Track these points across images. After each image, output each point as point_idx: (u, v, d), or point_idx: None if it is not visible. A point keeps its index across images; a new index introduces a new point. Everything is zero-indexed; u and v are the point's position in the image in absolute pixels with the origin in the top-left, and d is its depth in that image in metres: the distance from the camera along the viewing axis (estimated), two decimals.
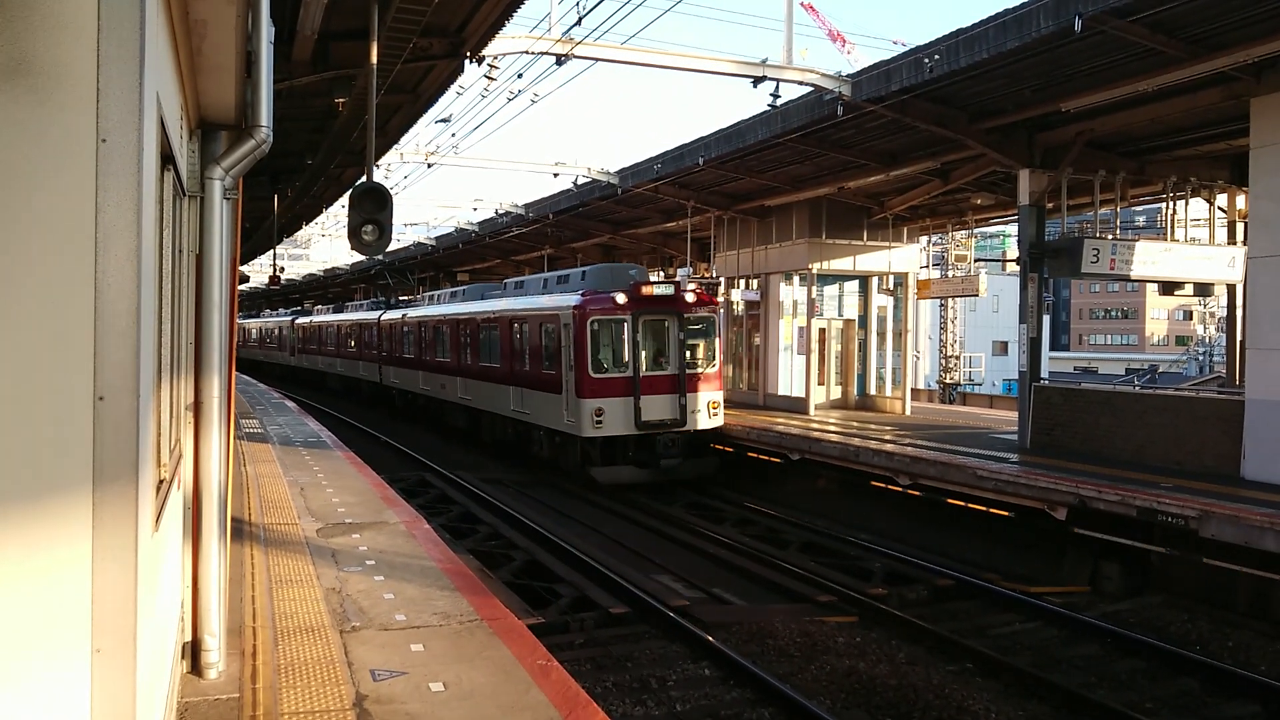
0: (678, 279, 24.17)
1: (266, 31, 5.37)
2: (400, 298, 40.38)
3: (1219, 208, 19.69)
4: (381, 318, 35.12)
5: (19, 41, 2.73)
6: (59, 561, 2.76)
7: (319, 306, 53.32)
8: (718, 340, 20.81)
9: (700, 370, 19.95)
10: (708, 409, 19.75)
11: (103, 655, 2.84)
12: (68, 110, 2.76)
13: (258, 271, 51.57)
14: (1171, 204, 18.98)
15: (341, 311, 44.26)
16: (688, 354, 19.87)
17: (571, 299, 19.86)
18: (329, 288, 65.10)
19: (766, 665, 9.83)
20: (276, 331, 57.38)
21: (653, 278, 24.21)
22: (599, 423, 18.76)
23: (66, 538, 2.77)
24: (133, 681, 2.95)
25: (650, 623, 11.19)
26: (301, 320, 50.66)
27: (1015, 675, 9.66)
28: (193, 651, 5.96)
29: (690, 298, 20.12)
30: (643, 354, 19.39)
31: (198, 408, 5.88)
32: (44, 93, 2.74)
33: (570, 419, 19.36)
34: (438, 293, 32.40)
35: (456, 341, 26.90)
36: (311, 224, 33.85)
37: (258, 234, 28.84)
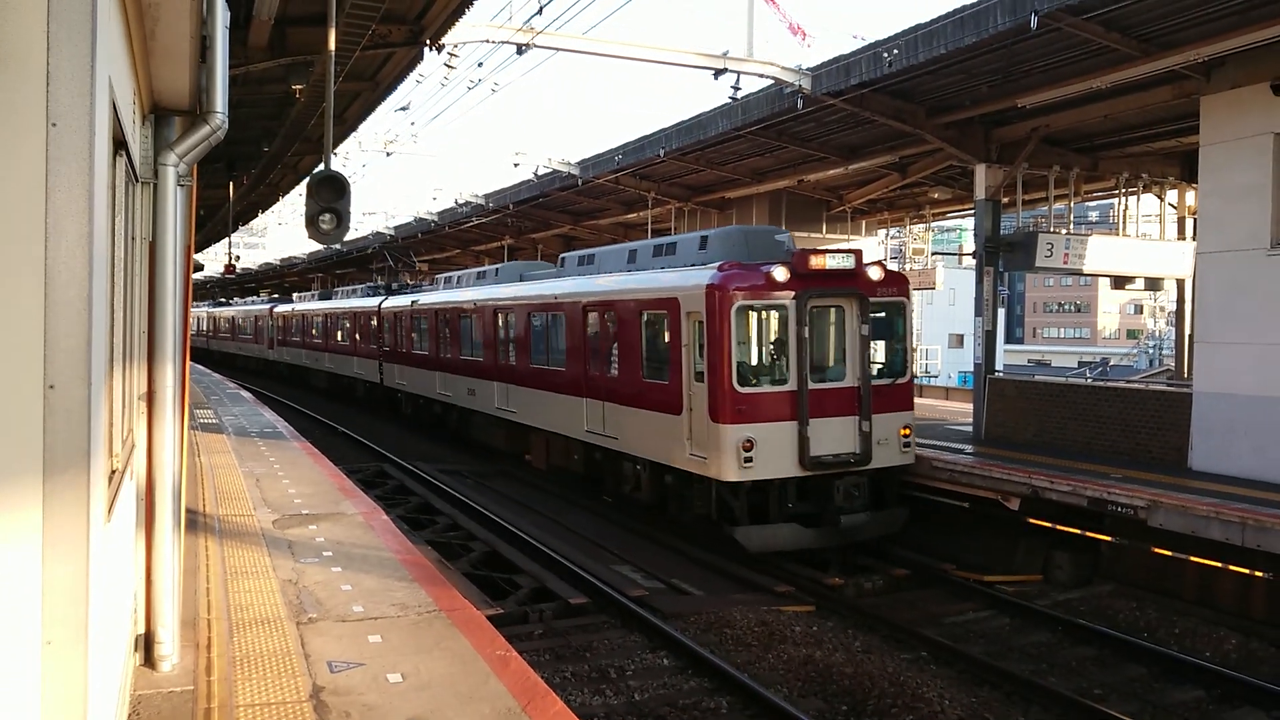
0: (856, 247, 16.17)
1: (222, 16, 5.30)
2: (405, 281, 35.02)
3: (1169, 204, 20.07)
4: (383, 305, 29.49)
5: None
6: (8, 552, 2.72)
7: (302, 293, 46.94)
8: (908, 336, 14.91)
9: (889, 380, 14.13)
10: (898, 438, 13.86)
11: (53, 647, 2.80)
12: (16, 93, 2.71)
13: (213, 260, 50.75)
14: (1124, 199, 19.32)
15: (330, 298, 38.36)
16: (872, 356, 14.13)
17: (700, 276, 13.72)
18: (285, 277, 64.29)
19: (725, 654, 9.90)
20: (252, 322, 50.03)
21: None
22: (748, 461, 12.72)
23: (16, 528, 2.72)
24: (84, 674, 2.91)
25: (609, 613, 11.22)
26: (282, 309, 44.26)
27: (968, 663, 9.81)
28: (146, 644, 5.89)
29: (875, 273, 14.01)
30: (811, 356, 13.43)
31: (151, 397, 5.80)
32: None
33: (697, 453, 13.41)
34: (458, 274, 25.79)
35: (493, 335, 21.15)
36: (268, 212, 33.38)
37: (213, 222, 28.42)
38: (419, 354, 26.20)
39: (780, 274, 13.18)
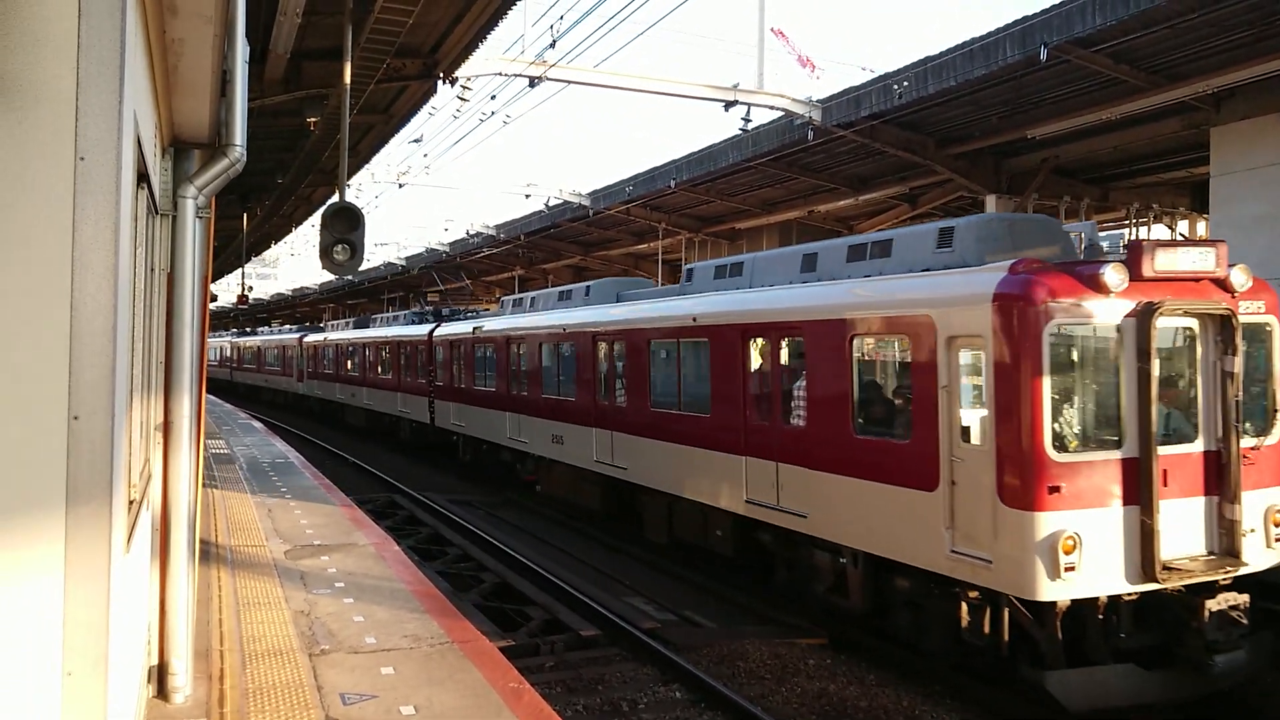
0: (1214, 240, 10.17)
1: (242, 51, 5.38)
2: (456, 306, 31.89)
3: (1180, 234, 20.07)
4: (435, 333, 25.71)
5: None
6: (31, 582, 2.72)
7: (335, 321, 43.01)
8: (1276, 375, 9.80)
9: (1256, 441, 9.48)
10: (1269, 524, 9.34)
11: (74, 678, 2.80)
12: (46, 128, 2.75)
13: (226, 291, 51.13)
14: (1134, 230, 19.34)
15: (369, 326, 34.41)
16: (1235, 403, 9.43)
17: (976, 282, 9.26)
18: (298, 307, 64.65)
19: (738, 687, 9.80)
20: (280, 352, 45.93)
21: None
22: (1069, 568, 8.37)
23: (39, 558, 2.73)
24: (103, 706, 2.90)
25: (621, 645, 11.14)
26: (313, 338, 40.25)
27: (987, 699, 9.69)
28: (160, 675, 5.87)
29: (1240, 279, 9.40)
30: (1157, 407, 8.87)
31: (167, 428, 5.83)
32: (23, 110, 2.73)
33: (968, 551, 8.97)
34: (531, 295, 21.77)
35: (591, 370, 16.68)
36: (280, 243, 33.65)
37: (226, 252, 28.63)
38: (484, 391, 22.02)
39: (1114, 278, 8.68)
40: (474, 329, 22.66)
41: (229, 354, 59.60)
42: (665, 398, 14.50)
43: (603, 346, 16.38)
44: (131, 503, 3.96)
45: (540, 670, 10.15)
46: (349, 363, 34.45)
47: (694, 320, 13.65)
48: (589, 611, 12.09)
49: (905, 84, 14.87)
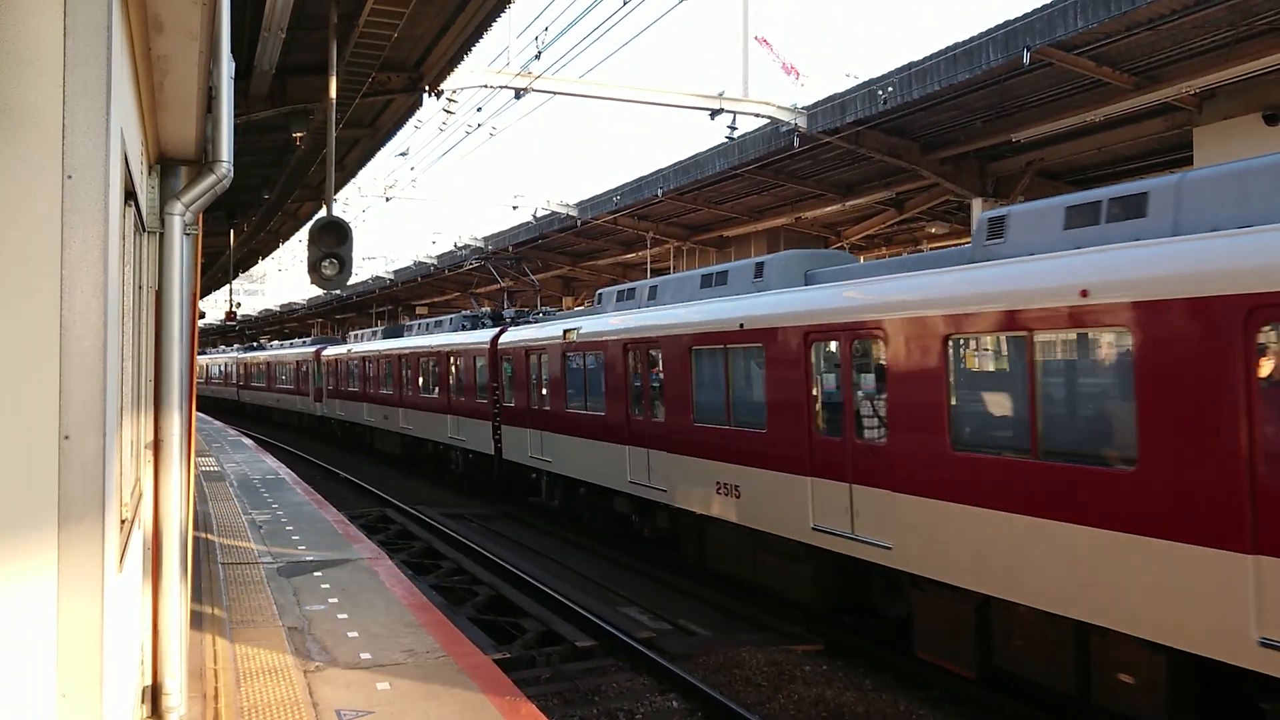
0: None
1: (227, 67, 5.37)
2: (518, 308, 25.78)
3: None
4: (502, 340, 20.73)
5: None
6: (24, 603, 2.70)
7: (358, 330, 36.59)
8: None
9: None
10: None
11: (68, 700, 2.77)
12: (34, 146, 2.74)
13: (213, 307, 50.83)
14: None
15: (404, 334, 29.65)
16: None
17: None
18: (285, 323, 64.47)
19: (734, 695, 9.79)
20: (293, 369, 40.75)
21: None
22: None
23: (31, 578, 2.71)
24: None
25: (617, 656, 11.11)
26: (333, 352, 35.22)
27: (984, 702, 9.69)
28: (153, 695, 5.82)
29: None
30: None
31: (157, 446, 5.79)
32: (10, 129, 2.71)
33: None
34: (646, 284, 15.72)
35: (801, 388, 10.98)
36: (268, 259, 33.59)
37: (214, 269, 28.55)
38: (586, 416, 16.40)
39: None
40: (565, 332, 17.32)
41: (236, 371, 53.71)
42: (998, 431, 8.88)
43: (834, 351, 10.66)
44: (123, 522, 3.94)
45: (537, 682, 10.12)
46: (380, 379, 29.23)
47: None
48: (584, 623, 12.06)
49: (890, 89, 14.95)
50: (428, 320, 28.70)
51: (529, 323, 21.11)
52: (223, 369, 57.84)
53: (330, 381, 35.23)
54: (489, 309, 26.55)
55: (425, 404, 25.39)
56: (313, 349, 38.25)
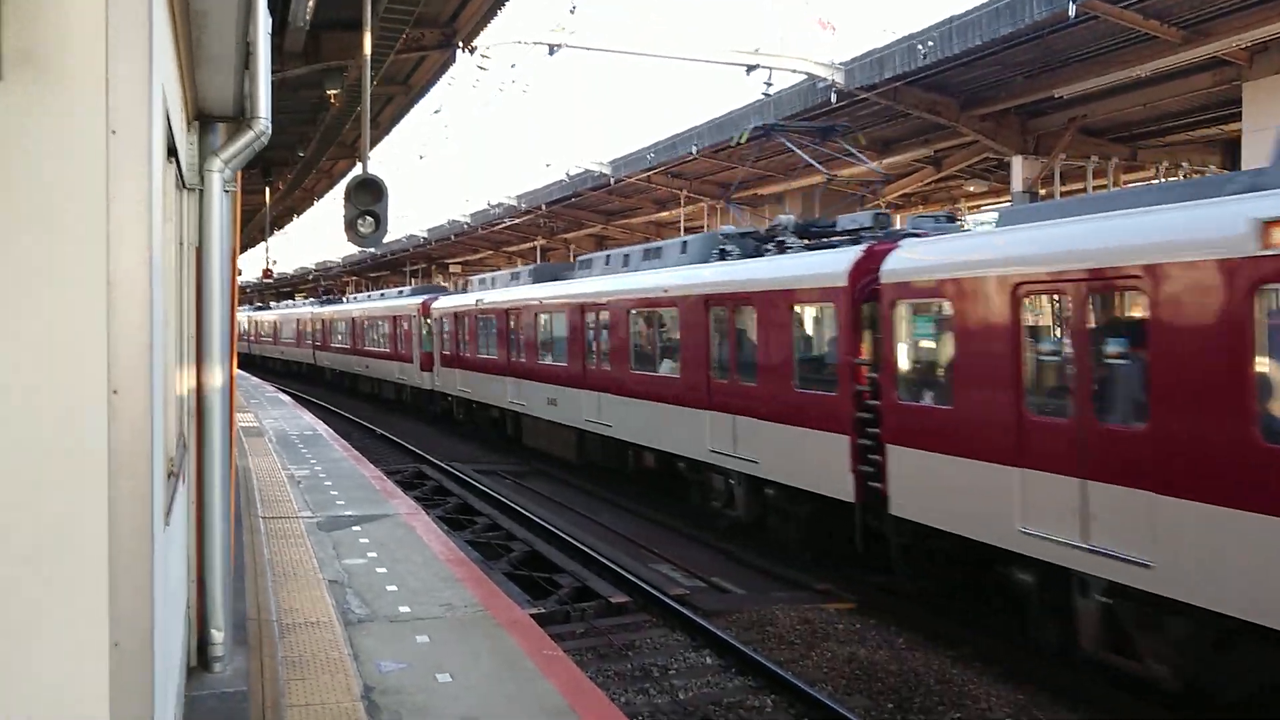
0: None
1: (264, 22, 5.35)
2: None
3: None
4: (901, 267, 10.29)
5: (26, 32, 2.70)
6: (76, 556, 2.75)
7: (485, 275, 26.57)
8: None
9: None
10: None
11: (120, 650, 2.83)
12: (77, 102, 2.73)
13: (249, 266, 51.11)
14: None
15: (571, 275, 20.09)
16: None
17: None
18: (321, 281, 64.91)
19: (767, 653, 9.85)
20: (388, 328, 32.48)
21: None
22: None
23: (83, 532, 2.76)
24: (150, 676, 2.94)
25: (651, 612, 11.20)
26: (449, 304, 27.23)
27: (1015, 660, 9.69)
28: (199, 646, 5.95)
29: None
30: None
31: (200, 401, 5.87)
32: (52, 84, 2.71)
33: None
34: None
35: None
36: (300, 217, 33.77)
37: (250, 227, 28.77)
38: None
39: None
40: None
41: (311, 329, 43.96)
42: None
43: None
44: (170, 475, 4.00)
45: (571, 637, 10.24)
46: (542, 344, 20.57)
47: None
48: (618, 579, 12.16)
49: (930, 44, 14.67)
50: (621, 252, 18.00)
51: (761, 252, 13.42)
52: (297, 326, 47.56)
53: (448, 344, 26.71)
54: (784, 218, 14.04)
55: (656, 389, 15.43)
56: (416, 300, 29.87)
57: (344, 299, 45.27)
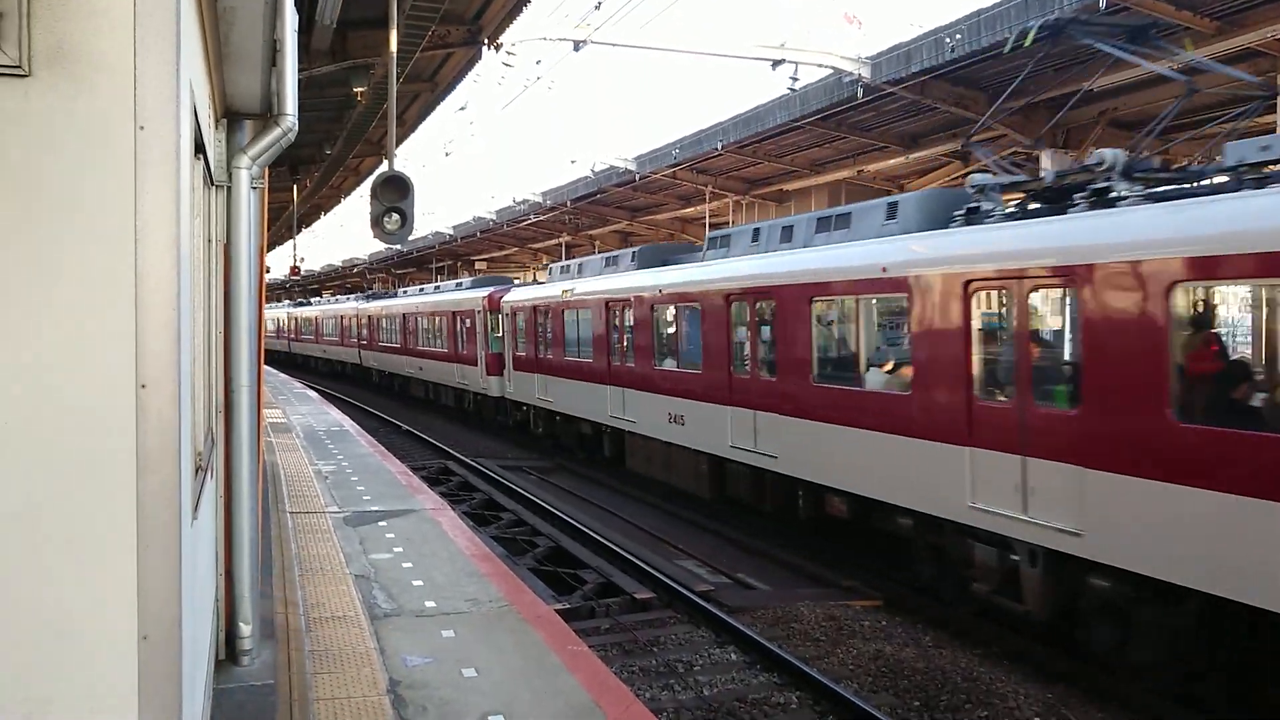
0: None
1: (291, 20, 5.37)
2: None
3: None
4: None
5: (56, 28, 2.72)
6: (105, 549, 2.77)
7: (565, 262, 23.06)
8: None
9: None
10: None
11: (149, 642, 2.85)
12: (106, 97, 2.75)
13: (276, 263, 51.38)
14: None
15: (698, 259, 16.15)
16: None
17: None
18: (347, 278, 65.31)
19: (793, 649, 9.82)
20: (445, 325, 28.84)
21: None
22: None
23: (112, 525, 2.78)
24: (178, 668, 2.96)
25: (675, 608, 11.20)
26: (527, 296, 22.97)
27: (1044, 658, 9.61)
28: (227, 640, 6.00)
29: None
30: None
31: (227, 396, 5.91)
32: (82, 79, 2.74)
33: None
34: None
35: None
36: (327, 214, 33.93)
37: (277, 224, 28.98)
38: None
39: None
40: None
41: (355, 327, 40.01)
42: None
43: None
44: (198, 470, 4.03)
45: (596, 633, 10.25)
46: (663, 344, 16.61)
47: None
48: (643, 575, 12.16)
49: (958, 37, 14.53)
50: (776, 224, 13.97)
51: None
52: (340, 323, 44.23)
53: (523, 344, 22.56)
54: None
55: (862, 412, 11.34)
56: (480, 293, 26.18)
57: (394, 293, 40.81)
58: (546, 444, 22.00)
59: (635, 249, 19.02)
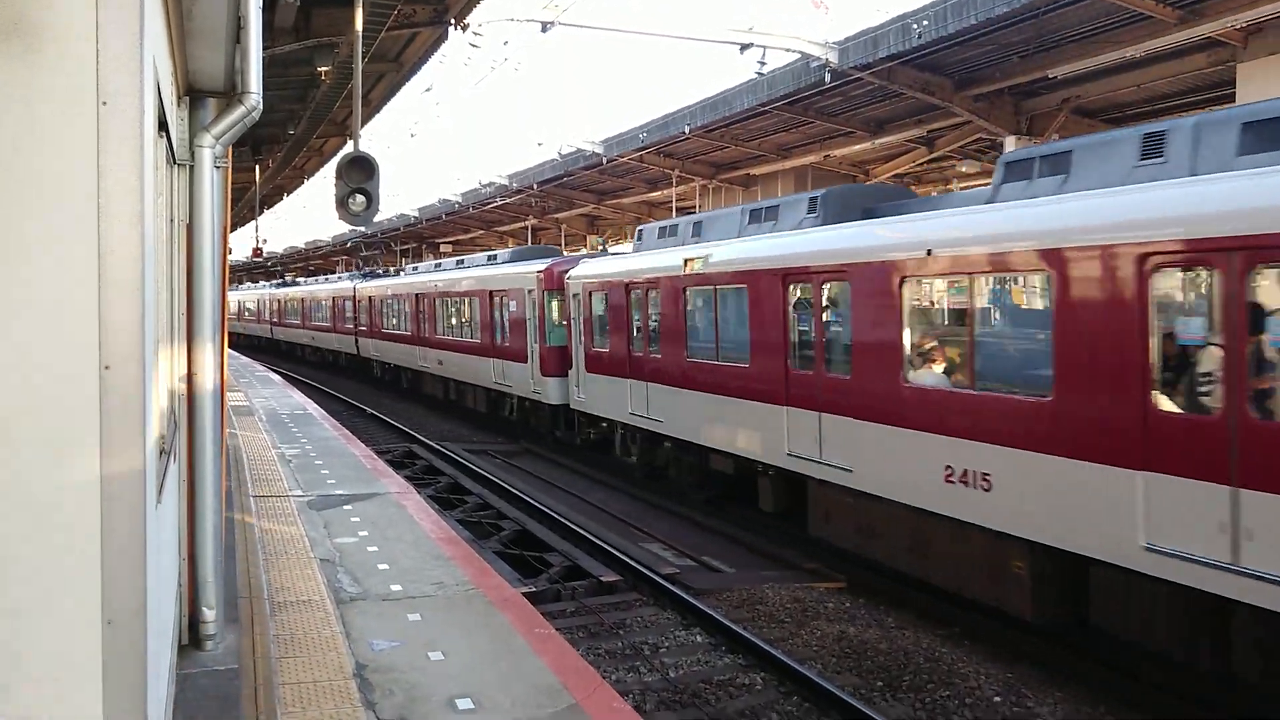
0: None
1: None
2: None
3: None
4: None
5: (15, 1, 2.66)
6: (69, 534, 2.73)
7: (661, 225, 16.06)
8: None
9: None
10: None
11: (114, 627, 2.82)
12: (69, 72, 2.70)
13: (238, 244, 50.65)
14: None
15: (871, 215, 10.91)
16: None
17: None
18: (310, 260, 64.59)
19: (757, 631, 9.89)
20: (478, 307, 23.19)
21: None
22: None
23: (76, 509, 2.74)
24: (143, 653, 2.93)
25: (641, 590, 11.23)
26: (612, 270, 16.57)
27: (1004, 638, 9.75)
28: (190, 624, 5.94)
29: None
30: None
31: (190, 379, 5.83)
32: (43, 54, 2.68)
33: None
34: None
35: None
36: (290, 195, 33.49)
37: (240, 205, 28.59)
38: None
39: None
40: None
41: (354, 312, 34.85)
42: None
43: None
44: (162, 453, 3.97)
45: (562, 615, 10.26)
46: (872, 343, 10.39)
47: None
48: (609, 558, 12.18)
49: (925, 23, 14.60)
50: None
51: None
52: (332, 306, 38.57)
53: (606, 338, 16.82)
54: None
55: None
56: (531, 268, 20.30)
57: (395, 272, 34.78)
58: (615, 465, 16.76)
59: (817, 193, 12.19)
